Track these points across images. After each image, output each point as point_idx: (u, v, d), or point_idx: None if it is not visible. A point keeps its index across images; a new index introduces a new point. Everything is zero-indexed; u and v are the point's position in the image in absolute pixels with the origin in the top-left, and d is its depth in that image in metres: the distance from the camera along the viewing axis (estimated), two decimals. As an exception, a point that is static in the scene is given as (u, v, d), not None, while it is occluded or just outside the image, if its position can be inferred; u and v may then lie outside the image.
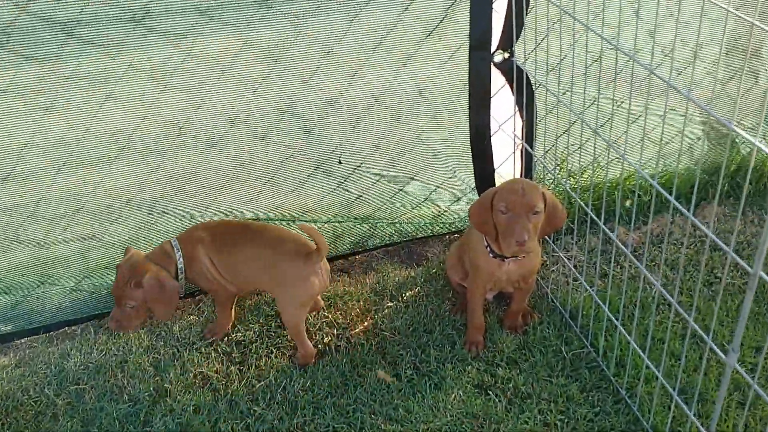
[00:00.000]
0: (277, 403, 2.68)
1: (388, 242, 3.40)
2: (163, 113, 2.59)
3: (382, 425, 2.58)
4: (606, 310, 2.63)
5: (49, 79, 2.34)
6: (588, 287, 2.76)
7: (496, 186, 2.61)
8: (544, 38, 2.83)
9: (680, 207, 2.05)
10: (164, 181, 2.78)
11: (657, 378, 2.40)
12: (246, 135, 2.78)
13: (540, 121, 3.12)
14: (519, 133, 3.10)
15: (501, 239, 2.52)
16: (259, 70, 2.60)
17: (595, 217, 2.57)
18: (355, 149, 2.94)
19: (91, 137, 2.53)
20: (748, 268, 1.77)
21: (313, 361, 2.84)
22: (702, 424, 2.50)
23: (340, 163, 2.98)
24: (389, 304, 3.13)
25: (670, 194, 2.08)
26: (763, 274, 1.75)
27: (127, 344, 2.96)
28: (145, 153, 2.66)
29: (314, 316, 3.05)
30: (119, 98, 2.49)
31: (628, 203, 3.41)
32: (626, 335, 2.56)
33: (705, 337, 2.04)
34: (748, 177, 1.76)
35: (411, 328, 2.99)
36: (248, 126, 2.75)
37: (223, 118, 2.69)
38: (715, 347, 2.02)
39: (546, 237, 3.09)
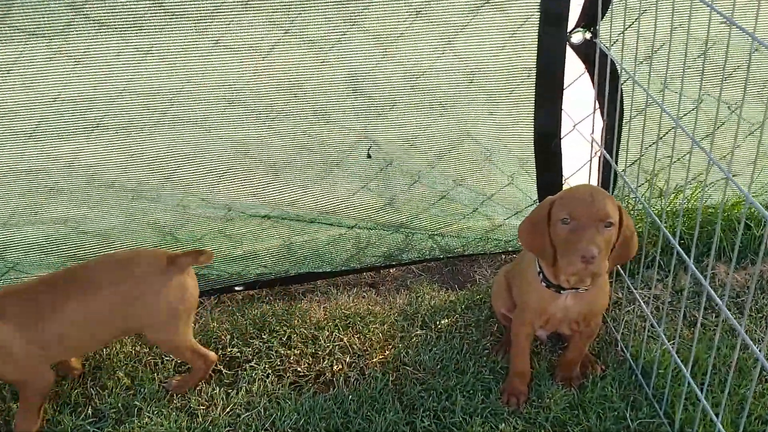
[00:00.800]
0: (260, 441, 2.20)
1: (428, 257, 2.86)
2: (145, 82, 2.16)
3: (382, 487, 2.05)
4: (686, 373, 1.99)
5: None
6: (665, 341, 2.13)
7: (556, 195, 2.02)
8: (638, 17, 2.22)
9: None
10: (151, 164, 2.35)
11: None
12: (247, 116, 2.31)
13: (626, 123, 2.49)
14: (598, 136, 2.49)
15: (560, 257, 1.94)
16: (262, 38, 2.12)
17: (681, 251, 1.94)
18: (385, 143, 2.41)
19: (60, 104, 2.13)
20: None
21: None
22: None
23: (369, 157, 2.46)
24: (419, 332, 2.58)
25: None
26: None
27: (105, 348, 2.55)
28: (127, 128, 2.23)
29: (326, 338, 2.55)
30: (90, 61, 2.07)
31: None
32: (709, 410, 1.92)
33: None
34: None
35: (439, 365, 2.44)
36: (250, 106, 2.28)
37: (219, 93, 2.23)
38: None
39: (621, 269, 2.46)
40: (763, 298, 2.69)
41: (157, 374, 2.44)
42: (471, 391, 2.33)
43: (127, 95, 2.17)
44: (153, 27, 2.06)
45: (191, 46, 2.12)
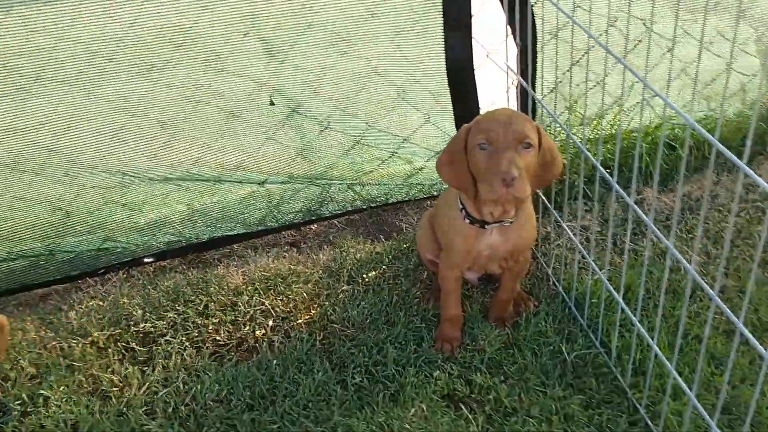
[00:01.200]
0: (180, 417, 2.04)
1: (350, 209, 2.71)
2: (4, 42, 1.92)
3: (314, 451, 1.92)
4: (619, 299, 1.91)
5: None
6: (597, 270, 2.04)
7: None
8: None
9: (729, 154, 1.33)
10: (26, 133, 2.11)
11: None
12: (130, 70, 2.09)
13: (541, 49, 2.38)
14: (513, 64, 2.37)
15: (480, 184, 1.83)
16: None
17: (606, 174, 1.84)
18: (287, 88, 2.23)
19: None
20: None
21: None
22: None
23: (272, 104, 2.28)
24: (345, 287, 2.45)
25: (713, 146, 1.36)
26: None
27: (7, 337, 2.34)
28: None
29: (246, 303, 2.39)
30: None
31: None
32: (645, 334, 1.84)
33: (761, 349, 1.32)
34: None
35: (369, 320, 2.32)
36: (132, 58, 2.06)
37: (94, 47, 2.01)
38: (775, 367, 1.31)
39: (547, 202, 2.37)
40: (692, 218, 2.65)
41: (65, 359, 2.25)
42: (403, 342, 2.22)
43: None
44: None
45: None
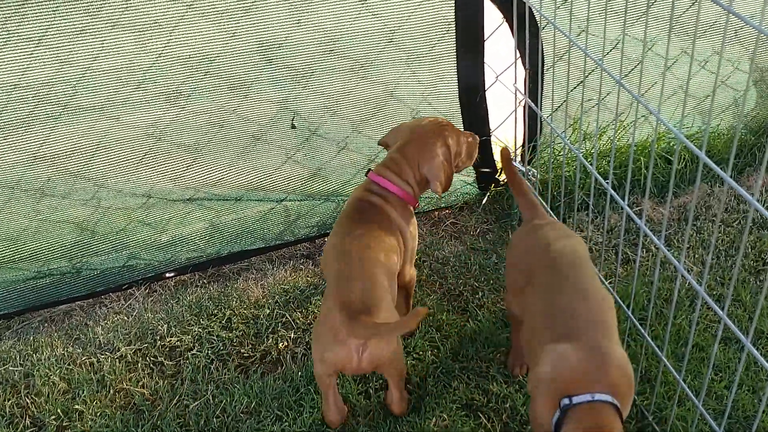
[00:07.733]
0: (212, 430, 2.14)
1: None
2: (40, 73, 1.98)
3: (342, 460, 2.03)
4: (625, 308, 2.04)
5: None
6: (601, 279, 2.17)
7: None
8: (551, -37, 2.19)
9: (713, 165, 1.46)
10: (57, 159, 2.18)
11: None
12: (157, 98, 2.16)
13: (548, 70, 2.49)
14: (521, 86, 2.47)
15: None
16: (165, 14, 1.97)
17: (611, 190, 1.96)
18: (307, 112, 2.31)
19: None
20: None
21: None
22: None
23: (293, 127, 2.37)
24: (361, 298, 2.54)
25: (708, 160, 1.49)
26: None
27: (35, 352, 2.42)
28: (26, 124, 2.05)
29: (267, 316, 2.48)
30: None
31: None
32: (651, 342, 1.97)
33: (762, 361, 1.45)
34: None
35: (386, 330, 2.41)
36: (159, 86, 2.13)
37: (124, 77, 2.08)
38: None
39: (553, 215, 2.49)
40: (684, 228, 2.77)
41: (95, 374, 2.33)
42: (421, 353, 2.33)
43: (21, 88, 1.99)
44: (41, 13, 1.88)
45: (86, 30, 1.95)
